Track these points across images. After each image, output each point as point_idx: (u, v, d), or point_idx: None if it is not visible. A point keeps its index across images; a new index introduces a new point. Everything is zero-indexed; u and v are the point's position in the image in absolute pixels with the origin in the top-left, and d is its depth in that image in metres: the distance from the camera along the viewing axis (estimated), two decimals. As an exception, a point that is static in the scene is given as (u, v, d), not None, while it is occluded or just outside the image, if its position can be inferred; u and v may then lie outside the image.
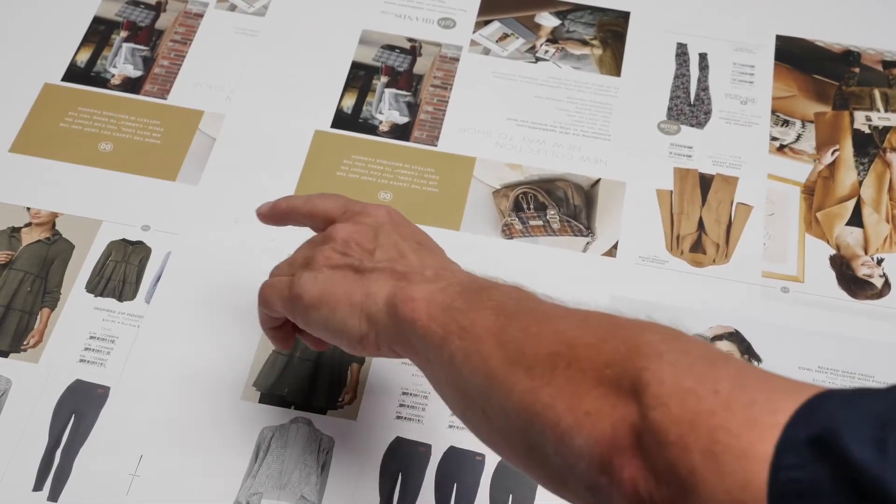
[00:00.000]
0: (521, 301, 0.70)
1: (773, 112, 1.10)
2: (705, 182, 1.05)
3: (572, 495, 0.63)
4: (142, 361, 0.91)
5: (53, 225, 0.98)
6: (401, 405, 0.90)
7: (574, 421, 0.60)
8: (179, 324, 0.93)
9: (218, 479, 0.85)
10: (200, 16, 1.14)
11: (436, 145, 1.06)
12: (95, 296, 0.94)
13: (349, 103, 1.09)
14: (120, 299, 0.94)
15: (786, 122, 1.09)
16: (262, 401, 0.89)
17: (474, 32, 1.15)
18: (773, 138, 1.08)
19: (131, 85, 1.09)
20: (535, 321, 0.67)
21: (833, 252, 1.01)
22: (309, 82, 1.10)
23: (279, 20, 1.14)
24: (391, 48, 1.13)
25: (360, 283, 0.77)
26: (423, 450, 0.87)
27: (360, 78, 1.10)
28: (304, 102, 1.08)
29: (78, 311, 0.93)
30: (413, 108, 1.08)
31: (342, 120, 1.07)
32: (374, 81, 1.10)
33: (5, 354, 0.90)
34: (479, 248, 0.99)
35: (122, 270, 0.95)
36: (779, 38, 1.16)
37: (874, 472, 0.47)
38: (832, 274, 1.00)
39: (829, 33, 1.16)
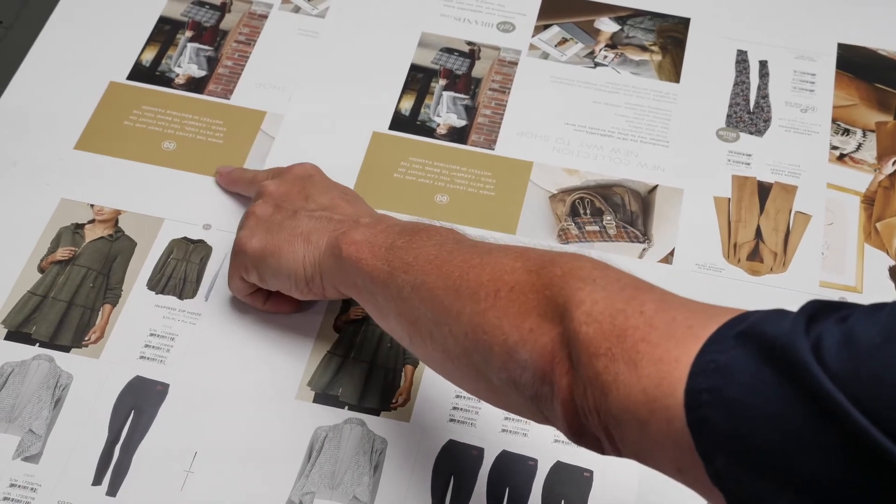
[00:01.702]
0: (459, 239, 0.79)
1: (834, 121, 1.09)
2: (764, 190, 1.04)
3: (515, 406, 0.72)
4: (199, 359, 0.91)
5: (116, 222, 0.99)
6: (454, 408, 0.90)
7: (519, 337, 0.67)
8: (236, 322, 0.93)
9: (271, 477, 0.86)
10: (265, 17, 1.15)
11: (493, 149, 1.06)
12: (156, 293, 0.95)
13: (407, 105, 1.09)
14: (180, 297, 0.94)
15: (846, 131, 1.09)
16: (316, 401, 0.90)
17: (533, 36, 1.15)
18: (833, 147, 1.07)
19: (195, 84, 1.10)
20: (477, 254, 0.74)
21: (892, 263, 1.00)
22: (368, 84, 1.10)
23: (339, 22, 1.15)
24: (450, 51, 1.13)
25: (298, 231, 0.86)
26: (476, 453, 0.88)
27: (418, 80, 1.11)
28: (362, 104, 1.09)
29: (139, 308, 0.94)
30: (471, 112, 1.09)
31: (400, 122, 1.08)
32: (433, 84, 1.11)
33: (67, 349, 0.91)
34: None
35: (183, 269, 0.96)
36: (841, 46, 1.15)
37: (783, 340, 0.54)
38: (891, 285, 0.99)
39: (892, 42, 1.15)
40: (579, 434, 0.65)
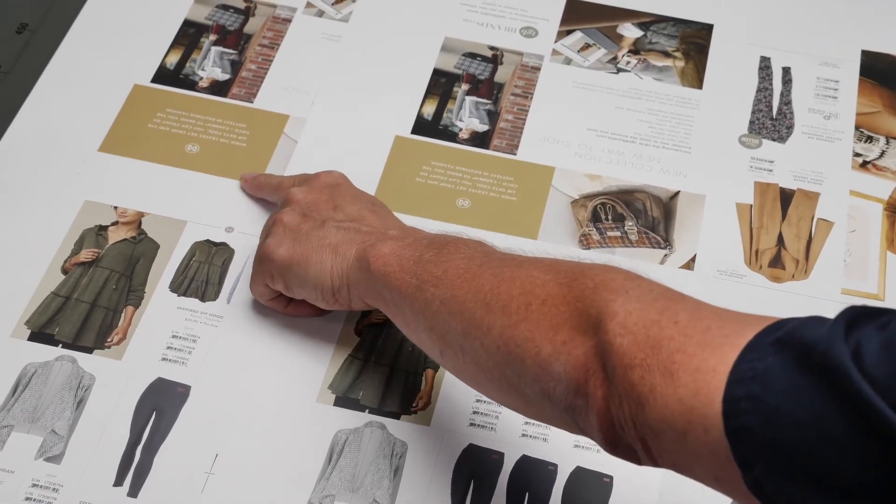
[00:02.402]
0: (488, 252, 0.78)
1: (857, 128, 1.09)
2: (786, 197, 1.04)
3: (549, 418, 0.72)
4: (220, 361, 0.92)
5: (139, 224, 1.00)
6: (474, 412, 0.90)
7: (552, 349, 0.67)
8: (258, 325, 0.94)
9: (291, 480, 0.86)
10: (288, 21, 1.15)
11: (515, 154, 1.06)
12: (178, 295, 0.95)
13: (430, 110, 1.09)
14: (202, 299, 0.95)
15: (869, 139, 1.08)
16: (336, 404, 0.90)
17: (556, 42, 1.15)
18: (857, 154, 1.07)
19: (219, 88, 1.10)
20: (507, 267, 0.74)
21: (915, 271, 1.00)
22: (390, 88, 1.11)
23: (362, 26, 1.15)
24: (473, 56, 1.13)
25: (326, 242, 0.86)
26: (497, 457, 0.88)
27: (441, 85, 1.11)
28: (385, 108, 1.09)
29: (161, 310, 0.94)
30: (493, 117, 1.09)
31: (422, 126, 1.08)
32: (455, 89, 1.11)
33: (90, 351, 0.92)
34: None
35: (206, 271, 0.97)
36: (864, 53, 1.14)
37: (822, 347, 0.53)
38: (914, 293, 0.99)
39: (917, 49, 1.15)
40: (615, 445, 0.65)
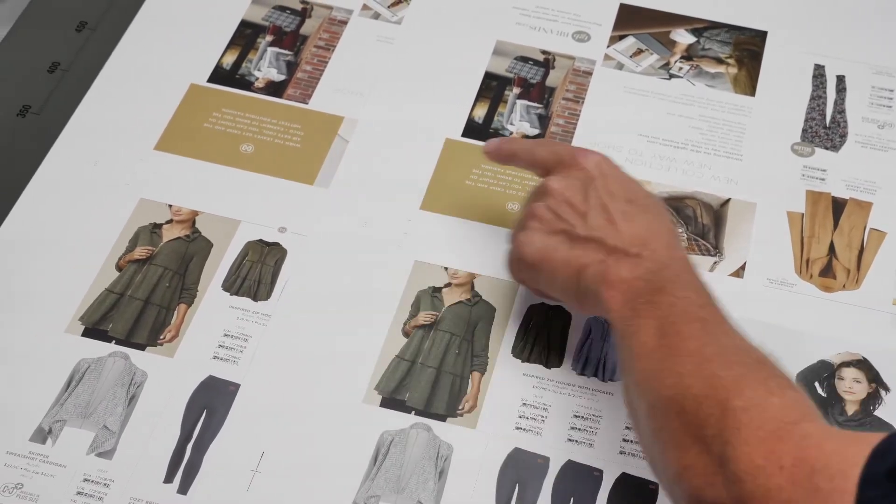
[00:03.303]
0: (702, 318, 0.77)
1: (912, 137, 1.08)
2: (838, 206, 1.03)
3: None
4: (269, 360, 0.92)
5: (193, 223, 1.00)
6: (520, 416, 0.90)
7: (676, 472, 0.69)
8: (305, 325, 0.94)
9: (336, 480, 0.86)
10: (344, 23, 1.16)
11: (564, 158, 1.06)
12: (231, 294, 0.96)
13: (480, 113, 1.09)
14: (255, 299, 0.95)
15: (924, 149, 1.07)
16: (383, 405, 0.90)
17: (608, 47, 1.15)
18: (910, 164, 1.06)
19: (274, 88, 1.11)
20: (693, 362, 0.73)
21: (968, 283, 0.99)
22: (442, 91, 1.11)
23: (415, 29, 1.16)
24: (524, 59, 1.14)
25: (574, 255, 0.85)
26: (542, 461, 0.88)
27: (492, 88, 1.11)
28: (436, 110, 1.09)
29: (213, 309, 0.95)
30: (544, 121, 1.09)
31: (473, 129, 1.08)
32: (507, 92, 1.11)
33: (142, 348, 0.93)
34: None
35: (258, 271, 0.97)
36: (920, 62, 1.13)
37: None
38: (966, 306, 0.98)
39: (973, 59, 1.14)
40: None
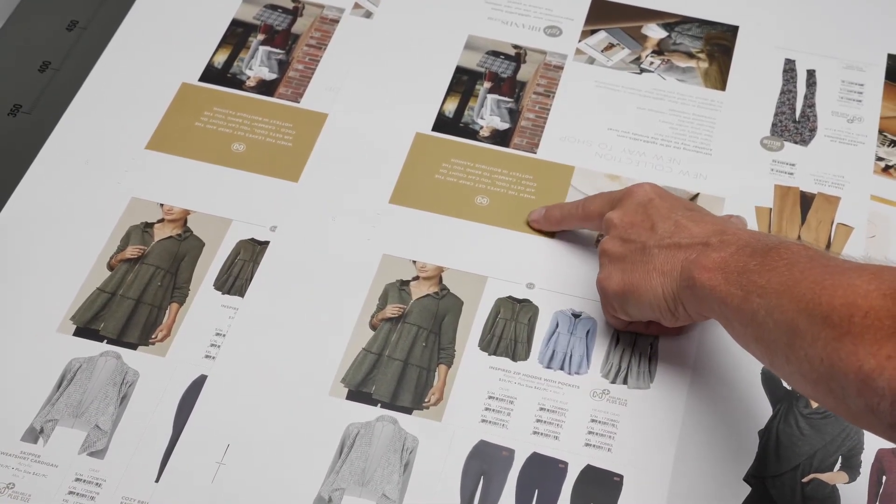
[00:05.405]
0: (812, 256, 0.76)
1: (881, 132, 1.08)
2: (806, 201, 1.03)
3: (876, 430, 0.70)
4: (235, 352, 0.92)
5: (185, 222, 1.00)
6: (486, 409, 0.90)
7: (876, 364, 0.66)
8: (273, 317, 0.94)
9: (302, 472, 0.86)
10: (336, 21, 1.16)
11: (535, 152, 1.06)
12: (223, 293, 0.96)
13: (451, 107, 1.09)
14: (244, 298, 0.95)
15: (893, 143, 1.08)
16: (349, 397, 0.90)
17: (580, 41, 1.15)
18: (879, 158, 1.07)
19: (266, 87, 1.11)
20: (829, 274, 0.72)
21: (935, 277, 0.99)
22: (412, 85, 1.11)
23: (386, 23, 1.16)
24: (496, 54, 1.14)
25: (651, 265, 0.86)
26: (506, 454, 0.88)
27: (463, 82, 1.11)
28: (406, 105, 1.09)
29: (205, 308, 0.95)
30: (514, 115, 1.09)
31: (443, 123, 1.08)
32: (477, 87, 1.11)
33: (134, 347, 0.93)
34: (573, 259, 0.99)
35: (250, 270, 0.97)
36: (890, 56, 1.14)
37: None
38: (933, 299, 0.98)
39: (944, 54, 1.14)
40: None
